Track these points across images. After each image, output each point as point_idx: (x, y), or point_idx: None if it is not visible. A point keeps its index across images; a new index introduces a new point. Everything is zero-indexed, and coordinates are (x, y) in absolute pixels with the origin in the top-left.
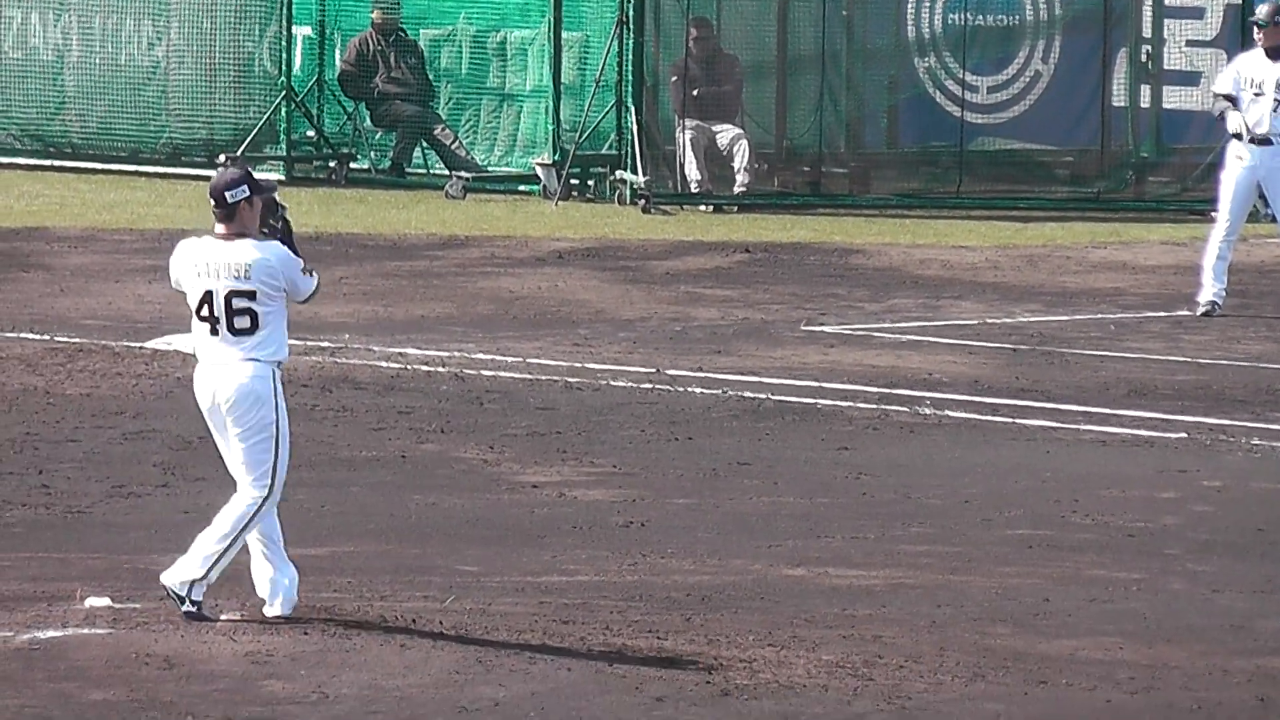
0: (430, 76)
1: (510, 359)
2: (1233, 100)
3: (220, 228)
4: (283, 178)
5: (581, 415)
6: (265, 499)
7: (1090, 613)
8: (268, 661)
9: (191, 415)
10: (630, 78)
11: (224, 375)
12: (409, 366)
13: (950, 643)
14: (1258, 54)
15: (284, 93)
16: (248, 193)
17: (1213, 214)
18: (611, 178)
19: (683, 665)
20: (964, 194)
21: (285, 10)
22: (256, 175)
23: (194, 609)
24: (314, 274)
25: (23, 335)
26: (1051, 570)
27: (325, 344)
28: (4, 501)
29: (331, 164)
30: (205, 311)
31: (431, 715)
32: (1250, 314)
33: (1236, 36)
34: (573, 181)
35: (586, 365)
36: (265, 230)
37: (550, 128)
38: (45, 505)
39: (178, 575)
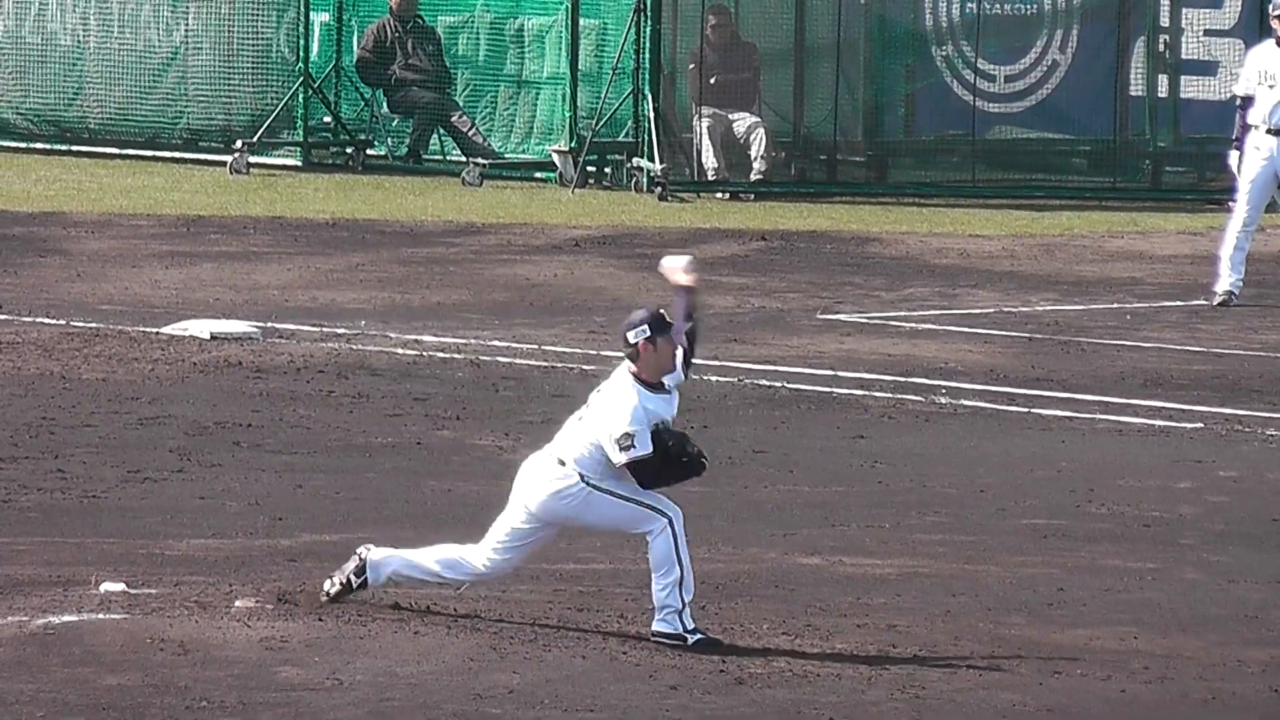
0: (447, 63)
1: (526, 346)
2: (1248, 102)
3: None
4: (298, 163)
5: None
6: (668, 523)
7: (1105, 603)
8: (282, 648)
9: (206, 401)
10: (647, 65)
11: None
12: (425, 353)
13: (965, 632)
14: (1270, 45)
15: (301, 79)
16: (648, 333)
17: (1230, 203)
18: (628, 165)
19: (697, 653)
20: (980, 183)
21: None
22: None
23: (699, 636)
24: (633, 449)
25: (39, 320)
26: (1066, 560)
27: (341, 330)
28: (20, 486)
29: (348, 150)
30: None
31: (445, 702)
32: (1267, 304)
33: (1255, 26)
34: (589, 169)
35: (602, 352)
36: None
37: (567, 115)
38: (61, 490)
39: (661, 622)
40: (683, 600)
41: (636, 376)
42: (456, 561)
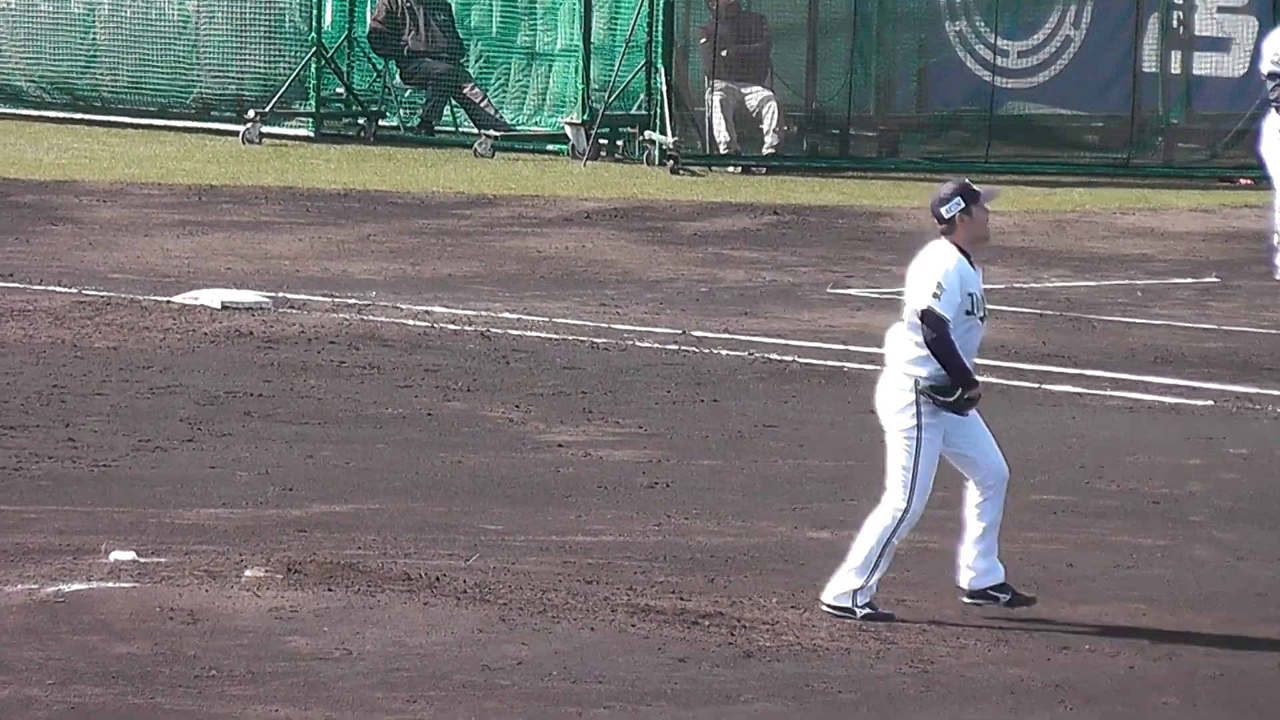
0: (460, 34)
1: (537, 318)
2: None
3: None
4: (310, 133)
5: (607, 375)
6: (903, 513)
7: (1114, 579)
8: (292, 617)
9: (217, 371)
10: (660, 38)
11: (882, 377)
12: (436, 324)
13: (973, 607)
14: None
15: (314, 49)
16: (962, 204)
17: (1242, 181)
18: (640, 138)
19: (706, 626)
20: (993, 158)
21: None
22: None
23: (869, 611)
24: (937, 299)
25: (51, 288)
26: (1076, 536)
27: (353, 301)
28: (31, 454)
29: (361, 121)
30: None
31: (454, 673)
32: (1278, 281)
33: (1268, 2)
34: (601, 141)
35: (613, 325)
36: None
37: (580, 87)
38: (72, 459)
39: (836, 589)
40: (865, 581)
41: (956, 244)
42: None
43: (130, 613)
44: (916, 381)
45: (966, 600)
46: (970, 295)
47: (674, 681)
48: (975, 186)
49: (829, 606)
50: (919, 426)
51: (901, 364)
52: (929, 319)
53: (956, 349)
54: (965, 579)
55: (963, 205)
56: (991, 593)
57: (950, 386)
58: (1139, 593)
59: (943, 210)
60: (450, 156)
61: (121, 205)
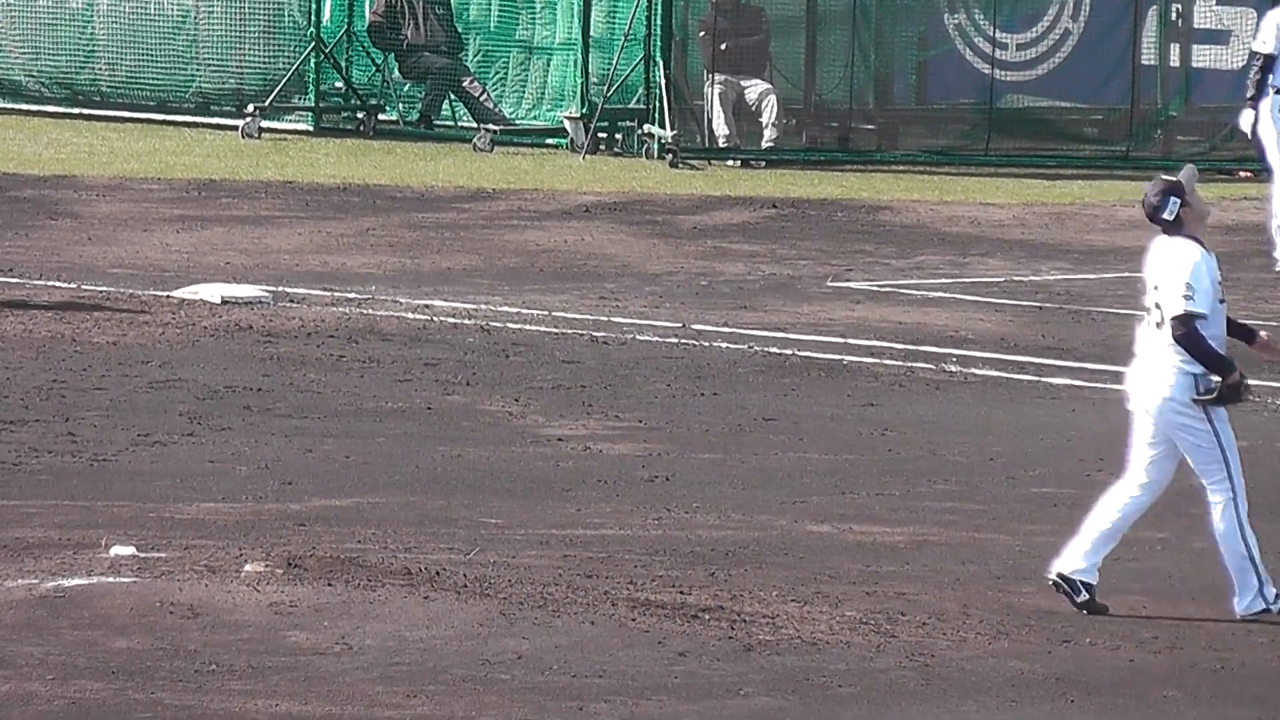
0: (459, 28)
1: (536, 312)
2: (1271, 60)
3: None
4: (310, 127)
5: (607, 369)
6: (1234, 497)
7: (1115, 572)
8: (291, 612)
9: (217, 365)
10: (659, 31)
11: (1145, 374)
12: (435, 318)
13: (974, 600)
14: None
15: (313, 43)
16: (1180, 200)
17: (1241, 173)
18: (639, 132)
19: (706, 620)
20: (992, 151)
21: None
22: (1177, 177)
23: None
24: (1190, 300)
25: (50, 283)
26: (1076, 529)
27: (352, 295)
28: (30, 449)
29: (360, 115)
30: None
31: (454, 667)
32: (1279, 272)
33: None
34: (600, 135)
35: (612, 319)
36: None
37: (579, 81)
38: (71, 453)
39: (1243, 603)
40: (1258, 576)
41: (1189, 236)
42: (1122, 509)
43: (130, 608)
44: (1195, 381)
45: (1050, 578)
46: (1218, 283)
47: (674, 675)
48: (1171, 178)
49: (1246, 616)
50: (1208, 417)
51: (1176, 366)
52: (1186, 321)
53: (1208, 342)
54: (1066, 563)
55: (1180, 200)
56: (1080, 585)
57: (1212, 386)
58: (1139, 585)
59: (1165, 215)
60: (449, 150)
61: (121, 200)
